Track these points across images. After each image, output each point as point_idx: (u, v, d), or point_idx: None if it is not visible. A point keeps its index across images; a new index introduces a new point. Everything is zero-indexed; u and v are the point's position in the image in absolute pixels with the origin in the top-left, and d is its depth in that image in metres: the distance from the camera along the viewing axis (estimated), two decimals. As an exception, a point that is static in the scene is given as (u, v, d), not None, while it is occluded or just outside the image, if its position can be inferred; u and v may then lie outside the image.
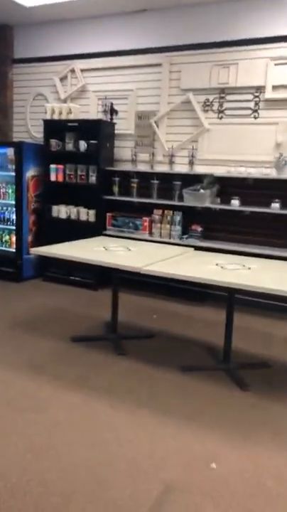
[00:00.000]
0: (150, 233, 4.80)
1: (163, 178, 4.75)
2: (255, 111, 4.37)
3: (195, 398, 2.73)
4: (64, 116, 4.99)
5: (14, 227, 5.08)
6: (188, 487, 1.98)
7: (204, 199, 4.47)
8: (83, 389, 2.76)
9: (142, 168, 4.92)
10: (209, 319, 4.15)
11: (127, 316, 4.09)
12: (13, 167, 4.96)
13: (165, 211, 4.73)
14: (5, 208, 5.17)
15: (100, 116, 5.08)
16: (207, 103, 4.57)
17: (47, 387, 2.76)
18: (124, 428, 2.38)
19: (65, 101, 5.31)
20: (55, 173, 5.02)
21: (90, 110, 5.18)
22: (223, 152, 4.52)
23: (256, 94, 4.34)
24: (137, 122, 4.95)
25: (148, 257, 3.31)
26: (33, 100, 5.60)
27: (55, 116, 5.02)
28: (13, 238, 5.12)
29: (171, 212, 4.69)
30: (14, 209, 5.05)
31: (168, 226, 4.72)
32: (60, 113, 5.00)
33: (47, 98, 5.47)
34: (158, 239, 4.71)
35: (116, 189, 4.91)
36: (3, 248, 5.23)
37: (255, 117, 4.37)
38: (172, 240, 4.65)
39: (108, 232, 4.84)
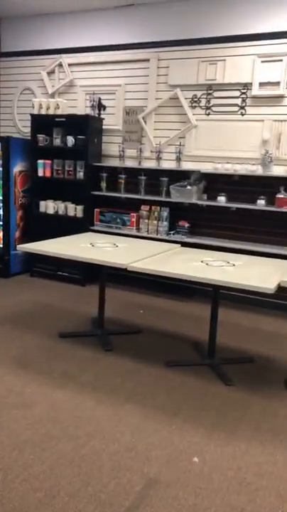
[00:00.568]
0: (138, 229, 4.82)
1: (150, 174, 4.77)
2: (242, 108, 4.40)
3: (179, 393, 2.78)
4: (51, 111, 4.96)
5: (1, 223, 5.07)
6: (171, 481, 2.02)
7: (191, 195, 4.50)
8: (69, 385, 2.79)
9: (130, 163, 4.93)
10: (196, 315, 4.19)
11: (114, 311, 4.12)
12: (0, 162, 4.93)
13: (153, 207, 4.75)
14: (-8, 203, 5.15)
15: (88, 111, 5.07)
16: (195, 99, 4.59)
17: (33, 383, 2.79)
18: (108, 423, 2.42)
19: (52, 96, 5.29)
20: (43, 168, 5.00)
21: (78, 105, 5.16)
22: (210, 148, 4.55)
23: (243, 90, 4.36)
24: (125, 118, 4.95)
25: (134, 253, 3.33)
26: (21, 94, 5.57)
27: (43, 111, 4.99)
28: (1, 234, 5.11)
29: (158, 208, 4.72)
30: (1, 204, 5.03)
31: (155, 222, 4.74)
32: (48, 108, 4.98)
33: (34, 92, 5.44)
34: (146, 234, 4.73)
35: (103, 185, 4.92)
36: (-9, 243, 5.21)
37: (242, 114, 4.40)
38: (159, 236, 4.68)
39: (96, 228, 4.85)
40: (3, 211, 5.03)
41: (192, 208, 4.65)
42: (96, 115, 4.96)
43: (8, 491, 1.90)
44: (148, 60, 4.75)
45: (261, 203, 4.22)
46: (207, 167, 4.52)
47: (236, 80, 4.35)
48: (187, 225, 4.66)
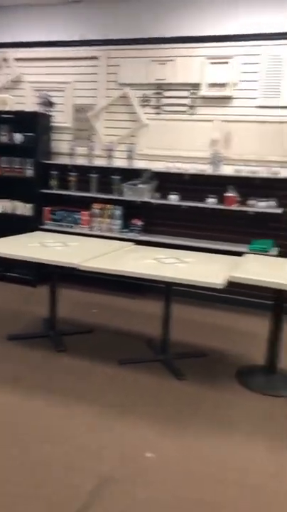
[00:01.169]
0: (90, 227, 4.77)
1: (102, 172, 4.74)
2: (192, 108, 4.47)
3: (132, 390, 2.78)
4: (-1, 107, 4.81)
5: None
6: (123, 478, 2.01)
7: (143, 194, 4.52)
8: (19, 389, 2.71)
9: (80, 161, 4.87)
10: (150, 312, 4.21)
11: (67, 311, 4.06)
12: None
13: (105, 205, 4.73)
14: None
15: (37, 108, 4.96)
16: (145, 98, 4.61)
17: (-19, 387, 2.69)
18: (60, 425, 2.38)
19: (-1, 91, 5.13)
20: (-10, 166, 4.84)
21: (26, 102, 5.03)
22: (161, 147, 4.59)
23: (193, 91, 4.43)
24: (75, 115, 4.89)
25: (86, 252, 3.29)
26: None
27: (-11, 107, 4.83)
28: None
29: (111, 206, 4.70)
30: None
31: (108, 220, 4.72)
32: (-5, 104, 4.82)
33: (-20, 87, 5.24)
34: (99, 233, 4.69)
35: (54, 183, 4.83)
36: None
37: (192, 114, 4.47)
38: (112, 234, 4.65)
39: (46, 227, 4.75)
40: None
41: (145, 206, 4.67)
42: (45, 112, 4.86)
43: None
44: (97, 58, 4.72)
45: (211, 202, 4.31)
46: (158, 166, 4.55)
47: (185, 80, 4.41)
48: (140, 223, 4.67)
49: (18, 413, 2.45)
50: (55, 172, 4.81)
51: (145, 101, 4.62)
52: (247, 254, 3.55)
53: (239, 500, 1.92)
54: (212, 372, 3.09)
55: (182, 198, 4.49)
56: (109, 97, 4.73)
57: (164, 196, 4.57)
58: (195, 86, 4.40)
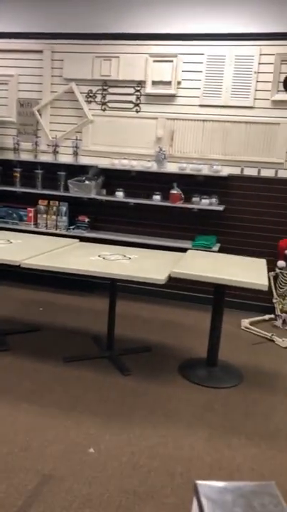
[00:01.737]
0: (36, 224, 4.71)
1: (47, 168, 4.68)
2: (137, 105, 4.50)
3: (76, 387, 2.79)
4: None
5: None
6: (65, 475, 2.03)
7: (89, 190, 4.51)
8: None
9: (25, 157, 4.78)
10: (97, 309, 4.22)
11: (11, 310, 3.99)
12: None
13: (51, 202, 4.67)
14: None
15: (-22, 101, 4.81)
16: (91, 94, 4.59)
17: None
18: (2, 424, 2.35)
19: None
20: None
21: None
22: (107, 144, 4.59)
23: (138, 88, 4.47)
24: (19, 110, 4.78)
25: (30, 249, 3.25)
26: None
27: None
28: None
29: (57, 202, 4.65)
30: None
31: (54, 217, 4.67)
32: None
33: None
34: (44, 230, 4.64)
35: (-3, 179, 4.72)
36: None
37: (137, 111, 4.50)
38: (58, 231, 4.62)
39: (-10, 224, 4.64)
40: None
41: (92, 203, 4.67)
42: (-12, 105, 4.72)
43: None
44: (41, 52, 4.63)
45: (156, 199, 4.37)
46: (104, 162, 4.56)
47: (130, 77, 4.43)
48: (87, 219, 4.66)
49: None
50: (-2, 167, 4.69)
51: (90, 97, 4.60)
52: (190, 250, 3.65)
53: (183, 491, 1.99)
54: (156, 366, 3.16)
55: (129, 195, 4.52)
56: (54, 91, 4.67)
57: (111, 193, 4.59)
58: (140, 83, 4.44)
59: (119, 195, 4.49)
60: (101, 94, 4.57)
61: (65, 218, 4.65)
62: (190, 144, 4.36)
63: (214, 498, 0.66)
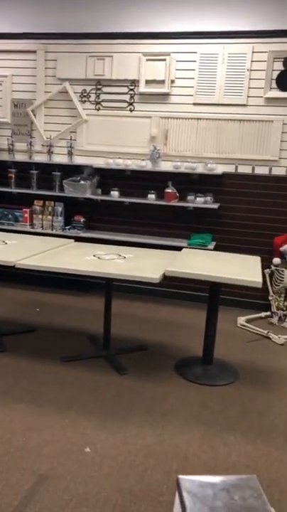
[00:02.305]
0: (32, 225, 4.71)
1: (42, 168, 4.68)
2: (130, 104, 4.50)
3: (73, 387, 2.80)
4: None
5: None
6: (62, 474, 2.04)
7: (84, 190, 4.51)
8: None
9: (20, 157, 4.78)
10: (93, 308, 4.23)
11: (8, 311, 4.00)
12: None
13: (47, 202, 4.67)
14: None
15: (-28, 101, 4.80)
16: (84, 94, 4.59)
17: None
18: (-1, 425, 2.36)
19: None
20: None
21: None
22: (101, 143, 4.59)
23: (131, 87, 4.47)
24: (13, 110, 4.78)
25: (25, 250, 3.25)
26: None
27: None
28: None
29: (52, 203, 4.65)
30: None
31: (49, 217, 4.67)
32: None
33: None
34: (40, 230, 4.65)
35: (-8, 180, 4.71)
36: None
37: (131, 110, 4.50)
38: (54, 232, 4.63)
39: (-14, 225, 4.64)
40: None
41: (87, 202, 4.67)
42: (-18, 106, 4.71)
43: None
44: (35, 52, 4.63)
45: (151, 197, 4.38)
46: (99, 162, 4.56)
47: (123, 76, 4.43)
48: (82, 219, 4.66)
49: None
50: (-7, 168, 4.69)
51: (84, 96, 4.60)
52: (185, 249, 3.66)
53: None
54: (152, 365, 3.17)
55: (124, 194, 4.53)
56: (48, 92, 4.67)
57: (106, 192, 4.59)
58: (133, 82, 4.44)
59: (114, 194, 4.49)
60: (95, 93, 4.57)
61: (60, 218, 4.65)
62: (184, 143, 4.37)
63: (195, 492, 0.67)
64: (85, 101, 4.60)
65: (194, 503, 0.64)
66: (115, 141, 4.55)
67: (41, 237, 3.99)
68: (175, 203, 4.31)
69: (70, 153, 4.64)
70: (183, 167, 4.29)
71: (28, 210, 4.68)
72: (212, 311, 3.06)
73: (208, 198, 4.27)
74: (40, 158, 4.75)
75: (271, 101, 4.10)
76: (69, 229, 4.64)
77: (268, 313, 4.20)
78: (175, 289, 4.58)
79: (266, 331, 3.78)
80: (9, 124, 4.81)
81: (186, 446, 2.29)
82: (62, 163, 4.65)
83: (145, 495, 1.94)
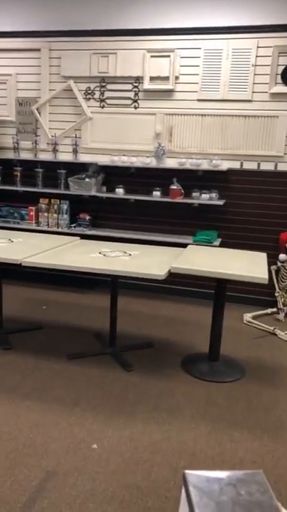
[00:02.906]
0: (37, 223, 4.73)
1: (47, 167, 4.70)
2: (135, 101, 4.49)
3: (80, 384, 2.81)
4: None
5: None
6: (69, 471, 2.05)
7: (90, 188, 4.52)
8: None
9: (25, 156, 4.79)
10: (98, 305, 4.24)
11: (15, 309, 4.01)
12: None
13: (52, 200, 4.69)
14: None
15: (-23, 100, 4.82)
16: (89, 91, 4.58)
17: None
18: (6, 422, 2.37)
19: None
20: None
21: None
22: (106, 141, 4.59)
23: (135, 84, 4.46)
24: (18, 109, 4.79)
25: (31, 248, 3.26)
26: None
27: None
28: None
29: (58, 201, 4.66)
30: None
31: (55, 215, 4.68)
32: None
33: None
34: (46, 228, 4.66)
35: (-2, 178, 4.74)
36: None
37: (135, 107, 4.50)
38: (60, 229, 4.64)
39: (-8, 224, 4.66)
40: None
41: (93, 200, 4.68)
42: (-13, 105, 4.73)
43: None
44: (39, 50, 4.63)
45: (156, 195, 4.37)
46: (104, 159, 4.56)
47: (127, 73, 4.42)
48: (88, 217, 4.67)
49: None
50: (-2, 167, 4.71)
51: (88, 94, 4.60)
52: (190, 246, 3.65)
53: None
54: (158, 362, 3.17)
55: (129, 192, 4.53)
56: (52, 90, 4.67)
57: (111, 190, 4.59)
58: (138, 79, 4.43)
59: (119, 191, 4.49)
60: (100, 91, 4.56)
61: (66, 216, 4.66)
62: (189, 139, 4.36)
63: (201, 487, 0.67)
64: (90, 98, 4.60)
65: (200, 498, 0.64)
66: (120, 138, 4.55)
67: (47, 235, 4.00)
68: (180, 199, 4.30)
69: (75, 151, 4.64)
70: (188, 164, 4.27)
71: (33, 208, 4.69)
72: (218, 308, 3.06)
73: (213, 195, 4.26)
74: (45, 156, 4.76)
75: (276, 96, 4.08)
76: (74, 227, 4.65)
77: (275, 309, 4.19)
78: (180, 286, 4.58)
79: (272, 328, 3.77)
80: (14, 122, 4.83)
81: (193, 443, 2.29)
82: (67, 161, 4.65)
83: (152, 491, 1.95)
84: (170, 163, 4.38)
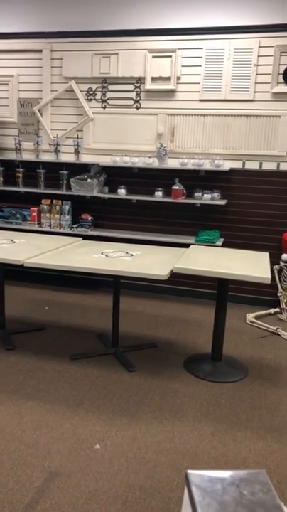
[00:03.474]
0: (40, 223, 4.73)
1: (49, 167, 4.70)
2: (137, 101, 4.49)
3: (83, 385, 2.81)
4: None
5: None
6: (72, 471, 2.05)
7: (92, 188, 4.52)
8: None
9: (27, 156, 4.80)
10: (101, 306, 4.24)
11: (18, 310, 4.02)
12: None
13: (54, 201, 4.69)
14: None
15: (-21, 102, 4.83)
16: (90, 92, 4.59)
17: None
18: (9, 422, 2.37)
19: None
20: None
21: None
22: (108, 141, 4.59)
23: (137, 84, 4.46)
24: (20, 110, 4.80)
25: (33, 248, 3.27)
26: None
27: None
28: None
29: (60, 201, 4.67)
30: None
31: (57, 216, 4.69)
32: None
33: None
34: (48, 229, 4.67)
35: (0, 179, 4.73)
36: None
37: (137, 108, 4.50)
38: (62, 230, 4.64)
39: (-6, 225, 4.67)
40: None
41: (95, 201, 4.68)
42: (-11, 106, 4.74)
43: None
44: (40, 51, 4.64)
45: (158, 195, 4.37)
46: (106, 160, 4.57)
47: (129, 73, 4.43)
48: (90, 218, 4.67)
49: None
50: (0, 168, 4.72)
51: (90, 95, 4.60)
52: (193, 246, 3.65)
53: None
54: (161, 362, 3.17)
55: (131, 192, 4.53)
56: (54, 90, 4.68)
57: (113, 190, 4.59)
58: (139, 80, 4.43)
59: (121, 192, 4.49)
60: (101, 91, 4.56)
61: (68, 217, 4.67)
62: (190, 139, 4.35)
63: (204, 487, 0.66)
64: (91, 99, 4.61)
65: (203, 498, 0.64)
66: (121, 138, 4.55)
67: (49, 235, 4.00)
68: (182, 200, 4.30)
69: (77, 152, 4.65)
70: (190, 164, 4.27)
71: (35, 209, 4.70)
72: (220, 308, 3.05)
73: (215, 195, 4.25)
74: (47, 157, 4.77)
75: (278, 96, 4.07)
76: (76, 227, 4.65)
77: (277, 309, 4.18)
78: (183, 286, 4.58)
79: (275, 328, 3.77)
80: (16, 123, 4.84)
81: (196, 443, 2.28)
82: (69, 161, 4.66)
83: (155, 491, 1.95)
84: (172, 163, 4.38)
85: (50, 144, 4.75)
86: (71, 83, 4.59)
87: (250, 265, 2.94)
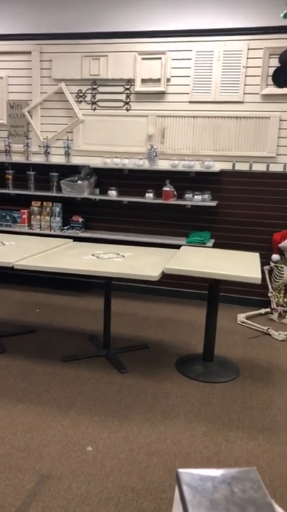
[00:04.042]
0: (30, 225, 4.71)
1: (39, 169, 4.68)
2: (127, 103, 4.50)
3: (74, 387, 2.79)
4: None
5: None
6: (63, 474, 2.03)
7: (82, 190, 4.51)
8: None
9: (17, 158, 4.77)
10: (92, 308, 4.23)
11: (8, 313, 3.99)
12: None
13: (44, 203, 4.67)
14: None
15: None
16: (80, 94, 4.58)
17: None
18: None
19: None
20: None
21: None
22: (98, 143, 4.59)
23: (127, 86, 4.47)
24: (9, 112, 4.77)
25: (23, 251, 3.25)
26: None
27: None
28: None
29: (50, 203, 4.65)
30: None
31: (47, 218, 4.67)
32: None
33: None
34: (39, 231, 4.65)
35: (-10, 181, 4.71)
36: None
37: (127, 109, 4.50)
38: (53, 232, 4.62)
39: (-16, 227, 4.63)
40: None
41: (85, 202, 4.67)
42: (-22, 108, 4.71)
43: None
44: (30, 53, 4.63)
45: (149, 196, 4.38)
46: (96, 162, 4.56)
47: (119, 75, 4.43)
48: (81, 219, 4.66)
49: None
50: (-10, 170, 4.69)
51: (80, 96, 4.60)
52: (184, 247, 3.66)
53: (175, 483, 2.00)
54: (152, 363, 3.17)
55: (122, 194, 4.53)
56: (43, 92, 4.66)
57: (103, 192, 4.59)
58: (129, 81, 4.43)
59: (112, 194, 4.49)
60: (91, 93, 4.56)
61: (58, 219, 4.65)
62: (181, 141, 4.37)
63: (195, 486, 0.66)
64: (81, 101, 4.60)
65: (193, 496, 0.64)
66: (112, 140, 4.55)
67: (39, 237, 3.98)
68: (173, 201, 4.30)
69: (67, 154, 4.63)
70: (180, 165, 4.28)
71: (26, 211, 4.68)
72: (211, 309, 3.06)
73: (206, 196, 4.27)
74: (37, 159, 4.75)
75: (267, 97, 4.10)
76: (67, 229, 4.64)
77: (268, 309, 4.20)
78: (174, 287, 4.58)
79: (266, 328, 3.78)
80: (5, 125, 4.81)
81: (188, 443, 2.28)
82: (60, 163, 4.64)
83: (147, 492, 1.94)
84: (163, 164, 4.39)
85: (40, 146, 4.73)
86: (61, 85, 4.58)
87: (241, 266, 2.95)
